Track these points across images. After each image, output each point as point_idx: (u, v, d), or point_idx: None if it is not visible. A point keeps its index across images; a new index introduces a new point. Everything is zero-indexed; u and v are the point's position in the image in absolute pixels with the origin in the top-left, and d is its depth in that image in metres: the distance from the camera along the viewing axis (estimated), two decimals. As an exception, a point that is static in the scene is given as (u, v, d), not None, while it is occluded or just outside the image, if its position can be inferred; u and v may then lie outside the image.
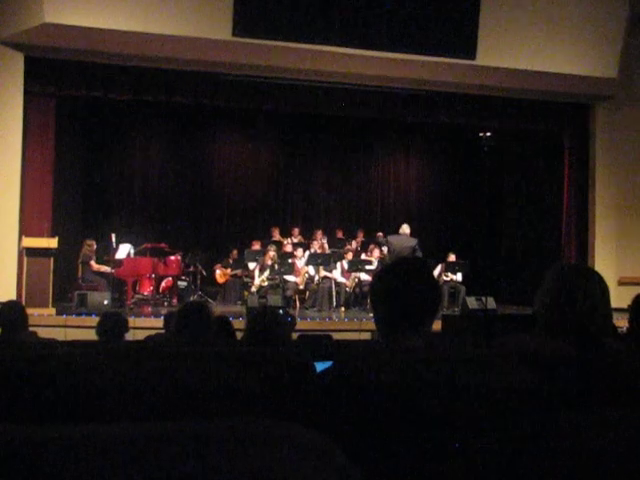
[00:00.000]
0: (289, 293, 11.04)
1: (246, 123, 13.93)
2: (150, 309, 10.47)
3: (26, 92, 9.71)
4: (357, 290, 11.31)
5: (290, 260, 11.34)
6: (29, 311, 5.01)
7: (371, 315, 8.04)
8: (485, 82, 10.78)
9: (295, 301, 11.17)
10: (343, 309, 11.09)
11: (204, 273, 12.00)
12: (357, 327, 9.09)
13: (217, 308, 10.14)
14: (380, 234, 12.31)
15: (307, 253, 11.60)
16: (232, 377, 1.58)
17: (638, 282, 10.40)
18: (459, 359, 1.56)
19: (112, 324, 4.67)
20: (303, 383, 1.65)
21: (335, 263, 11.50)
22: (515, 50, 10.32)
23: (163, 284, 11.60)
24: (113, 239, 10.95)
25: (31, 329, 4.79)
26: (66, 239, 10.41)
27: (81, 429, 0.67)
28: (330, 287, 11.16)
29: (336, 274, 11.37)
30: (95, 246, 10.81)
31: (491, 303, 9.92)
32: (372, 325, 7.95)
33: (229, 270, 12.24)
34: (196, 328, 3.26)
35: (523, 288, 12.08)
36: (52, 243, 9.32)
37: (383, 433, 1.36)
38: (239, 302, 11.59)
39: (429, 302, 1.78)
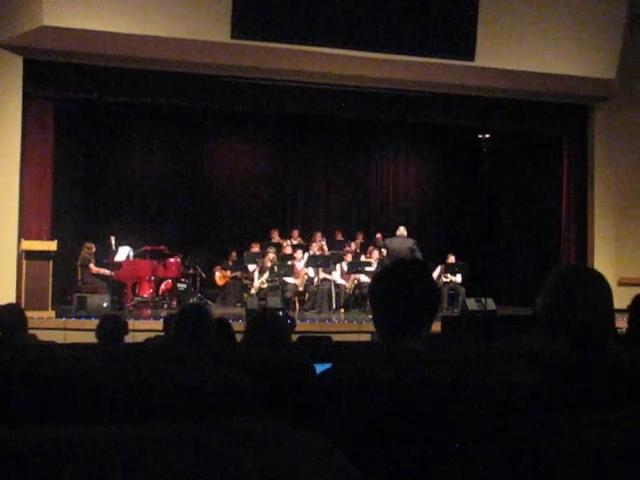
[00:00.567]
0: (289, 295, 11.04)
1: (245, 125, 13.93)
2: (149, 311, 10.47)
3: (25, 95, 9.71)
4: (357, 292, 11.31)
5: (289, 262, 11.34)
6: (28, 314, 5.01)
7: (371, 317, 8.04)
8: (484, 83, 10.79)
9: (295, 303, 11.16)
10: (343, 311, 11.10)
11: (204, 275, 12.00)
12: (357, 329, 9.09)
13: (217, 310, 10.13)
14: (379, 236, 12.33)
15: (306, 255, 11.60)
16: (232, 379, 1.58)
17: (637, 282, 10.39)
18: (459, 360, 1.56)
19: (111, 327, 4.67)
20: (303, 385, 1.65)
21: (334, 265, 11.51)
22: (514, 51, 10.33)
23: (162, 286, 11.59)
24: (112, 242, 10.94)
25: (30, 332, 4.80)
26: (65, 242, 10.40)
27: (81, 431, 0.67)
28: (330, 289, 11.17)
29: (335, 276, 11.37)
30: (94, 249, 10.80)
31: (491, 304, 9.93)
32: (372, 327, 7.95)
33: (229, 272, 12.24)
34: (196, 330, 3.26)
35: (523, 289, 12.09)
36: (51, 246, 9.32)
37: (383, 434, 1.36)
38: (239, 304, 11.59)
39: (428, 303, 1.78)
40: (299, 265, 11.43)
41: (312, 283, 11.38)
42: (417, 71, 10.40)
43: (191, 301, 10.72)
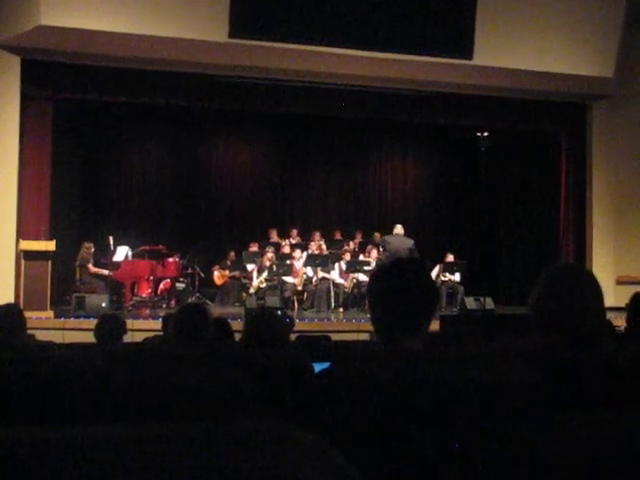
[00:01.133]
0: (287, 294, 11.04)
1: (243, 125, 13.92)
2: (148, 311, 10.46)
3: (23, 95, 9.70)
4: (355, 291, 11.31)
5: (288, 261, 11.34)
6: (27, 314, 5.00)
7: (369, 316, 8.03)
8: (482, 82, 10.79)
9: (293, 302, 11.16)
10: (341, 310, 11.10)
11: (202, 275, 11.99)
12: (355, 328, 9.09)
13: (215, 310, 10.13)
14: (377, 235, 12.33)
15: (305, 254, 11.60)
16: (231, 378, 1.58)
17: (636, 281, 10.41)
18: (457, 359, 1.57)
19: (110, 326, 4.66)
20: (301, 384, 1.65)
21: (333, 264, 11.50)
22: (512, 50, 10.33)
23: (161, 286, 11.59)
24: (111, 241, 10.92)
25: (29, 332, 4.79)
26: (64, 242, 10.39)
27: (80, 430, 0.67)
28: (328, 288, 11.17)
29: (334, 275, 11.37)
30: (93, 249, 10.79)
31: (489, 303, 9.94)
32: (370, 326, 7.95)
33: (227, 272, 12.23)
34: (194, 330, 3.26)
35: (521, 288, 12.09)
36: (50, 246, 9.31)
37: (381, 434, 1.36)
38: (237, 304, 11.58)
39: (427, 303, 1.78)
40: (298, 264, 11.43)
41: (311, 282, 11.38)
42: (415, 70, 10.40)
43: (190, 301, 10.72)
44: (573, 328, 1.81)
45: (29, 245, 9.29)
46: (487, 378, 1.45)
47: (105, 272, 10.56)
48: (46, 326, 8.30)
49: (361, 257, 11.74)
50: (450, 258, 12.02)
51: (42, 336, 5.94)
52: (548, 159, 12.76)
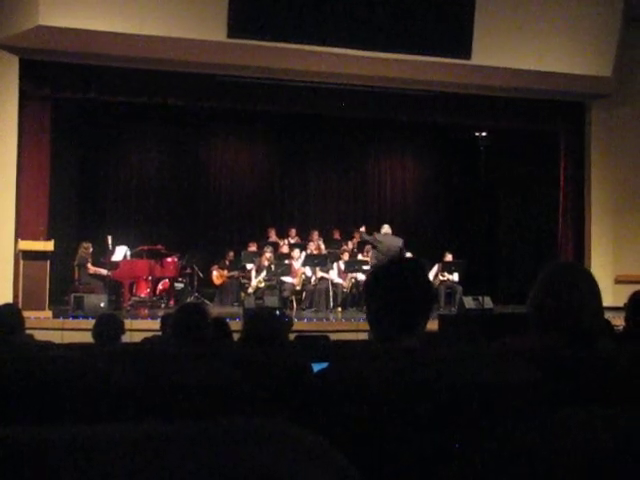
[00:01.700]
0: (286, 294, 11.03)
1: (242, 124, 13.92)
2: (147, 311, 10.44)
3: (21, 95, 9.70)
4: (354, 290, 11.31)
5: (287, 261, 11.34)
6: (25, 314, 4.99)
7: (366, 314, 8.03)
8: (480, 82, 10.80)
9: (292, 302, 11.17)
10: (340, 310, 11.10)
11: (201, 275, 11.99)
12: (354, 327, 9.08)
13: (214, 309, 10.12)
14: (362, 229, 11.67)
15: (304, 254, 11.59)
16: (229, 378, 1.58)
17: (635, 280, 10.41)
18: (455, 359, 1.57)
19: (107, 326, 4.66)
20: (300, 384, 1.65)
21: (332, 264, 11.50)
22: (510, 49, 10.34)
23: (160, 286, 11.58)
24: (109, 241, 10.91)
25: (28, 332, 4.79)
26: (62, 242, 10.38)
27: (79, 430, 0.67)
28: (327, 288, 11.17)
29: (333, 275, 11.37)
30: (91, 249, 10.77)
31: (488, 303, 9.93)
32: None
33: (226, 271, 12.23)
34: (193, 330, 3.26)
35: (520, 287, 12.08)
36: (48, 246, 9.30)
37: (381, 433, 1.36)
38: (236, 303, 11.58)
39: (424, 302, 1.78)
40: (296, 264, 11.43)
41: (309, 282, 11.38)
42: (413, 69, 10.40)
43: (188, 300, 10.72)
44: (571, 326, 1.81)
45: (28, 245, 9.28)
46: (485, 377, 1.45)
47: (104, 272, 10.55)
48: (45, 326, 8.29)
49: (360, 257, 11.73)
50: (448, 257, 12.03)
51: (41, 336, 5.94)
52: (547, 158, 12.76)
